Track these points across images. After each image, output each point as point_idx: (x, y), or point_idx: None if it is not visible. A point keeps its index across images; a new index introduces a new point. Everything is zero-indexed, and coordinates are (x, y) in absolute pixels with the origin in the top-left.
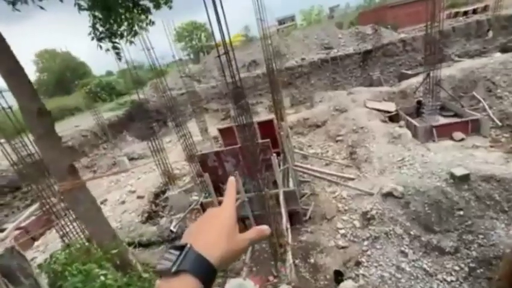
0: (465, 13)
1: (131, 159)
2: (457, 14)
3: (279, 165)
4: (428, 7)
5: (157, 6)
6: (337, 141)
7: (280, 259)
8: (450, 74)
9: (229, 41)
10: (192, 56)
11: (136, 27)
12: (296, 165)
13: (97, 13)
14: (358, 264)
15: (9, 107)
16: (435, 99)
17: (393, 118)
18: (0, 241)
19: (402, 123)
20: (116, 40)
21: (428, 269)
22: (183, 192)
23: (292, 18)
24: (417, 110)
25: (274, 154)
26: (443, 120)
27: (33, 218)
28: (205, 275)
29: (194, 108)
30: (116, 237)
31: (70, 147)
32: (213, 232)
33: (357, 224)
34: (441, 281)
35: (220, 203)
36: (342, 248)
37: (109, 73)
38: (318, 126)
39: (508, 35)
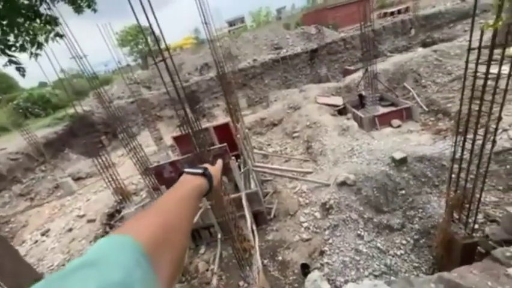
0: (391, 13)
1: (77, 179)
2: (385, 15)
3: (240, 168)
4: (363, 8)
5: (79, 10)
6: (294, 137)
7: (247, 263)
8: (384, 68)
9: (166, 46)
10: (140, 61)
11: (41, 39)
12: (256, 166)
13: None
14: (322, 253)
15: None
16: (375, 91)
17: (342, 111)
18: None
19: (349, 115)
20: (14, 54)
21: (381, 247)
22: (141, 209)
23: (242, 19)
24: (361, 103)
25: (234, 157)
26: (382, 110)
27: None
28: (211, 185)
29: (146, 117)
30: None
31: None
32: (214, 172)
33: (318, 215)
34: (393, 256)
35: None
36: (307, 240)
37: (43, 84)
38: (275, 125)
39: (426, 32)
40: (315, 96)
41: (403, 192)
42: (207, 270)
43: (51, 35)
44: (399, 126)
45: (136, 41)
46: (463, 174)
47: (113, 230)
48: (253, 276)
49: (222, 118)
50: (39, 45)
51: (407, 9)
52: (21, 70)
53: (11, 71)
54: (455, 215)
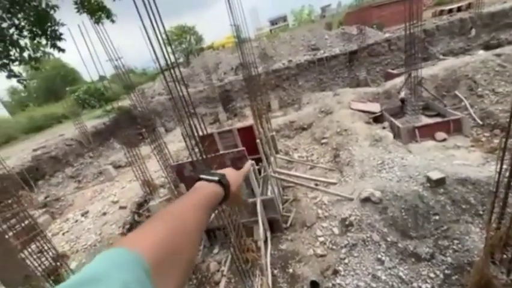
0: (449, 11)
1: (118, 166)
2: (441, 12)
3: (260, 172)
4: (409, 6)
5: (98, 20)
6: (322, 144)
7: (248, 275)
8: (433, 73)
9: (173, 51)
10: (182, 59)
11: (39, 54)
12: (276, 172)
13: None
14: (335, 273)
15: None
16: (418, 99)
17: (378, 119)
18: None
19: (386, 124)
20: (14, 68)
21: (403, 276)
22: (164, 202)
23: (284, 18)
24: (402, 109)
25: (253, 161)
26: (426, 120)
27: None
28: (228, 191)
29: (181, 113)
30: (29, 278)
31: (54, 157)
32: (234, 179)
33: (336, 231)
34: None
35: None
36: (321, 256)
37: (102, 78)
38: (304, 129)
39: (491, 33)
40: (349, 101)
41: (437, 217)
42: (218, 270)
43: (54, 49)
44: (444, 140)
45: (180, 40)
46: (510, 209)
47: (118, 241)
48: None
49: (252, 119)
50: (37, 60)
51: (469, 6)
52: (22, 82)
53: (76, 65)
54: (497, 255)
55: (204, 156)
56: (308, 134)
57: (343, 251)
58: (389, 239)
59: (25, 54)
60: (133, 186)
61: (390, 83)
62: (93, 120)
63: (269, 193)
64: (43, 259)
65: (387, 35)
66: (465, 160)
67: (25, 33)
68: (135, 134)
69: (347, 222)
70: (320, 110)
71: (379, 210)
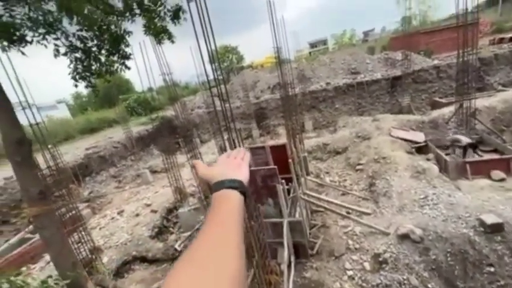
0: (511, 39)
1: (154, 171)
2: (501, 40)
3: (289, 193)
4: (463, 33)
5: (161, 41)
6: (357, 170)
7: None
8: (489, 104)
9: (217, 70)
10: (223, 76)
11: (115, 67)
12: (306, 194)
13: (77, 55)
14: None
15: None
16: (471, 131)
17: (422, 149)
18: None
19: (431, 155)
20: (92, 80)
21: None
22: (193, 211)
23: (324, 42)
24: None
25: (283, 181)
26: (479, 156)
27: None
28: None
29: (217, 127)
30: (76, 265)
31: (101, 157)
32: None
33: (368, 266)
34: None
35: None
36: None
37: (150, 89)
38: (338, 153)
39: None
40: (389, 128)
41: (491, 269)
42: None
43: (123, 67)
44: (502, 179)
45: (222, 59)
46: None
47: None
48: None
49: (284, 137)
50: (112, 73)
51: None
52: (95, 92)
53: (130, 75)
54: None
55: None
56: (342, 158)
57: None
58: (430, 286)
59: (103, 69)
60: (166, 192)
61: (437, 112)
62: (138, 127)
63: (297, 215)
64: (81, 250)
65: (436, 61)
66: None
67: (102, 51)
68: (173, 143)
69: (380, 259)
70: (356, 135)
71: (419, 250)
